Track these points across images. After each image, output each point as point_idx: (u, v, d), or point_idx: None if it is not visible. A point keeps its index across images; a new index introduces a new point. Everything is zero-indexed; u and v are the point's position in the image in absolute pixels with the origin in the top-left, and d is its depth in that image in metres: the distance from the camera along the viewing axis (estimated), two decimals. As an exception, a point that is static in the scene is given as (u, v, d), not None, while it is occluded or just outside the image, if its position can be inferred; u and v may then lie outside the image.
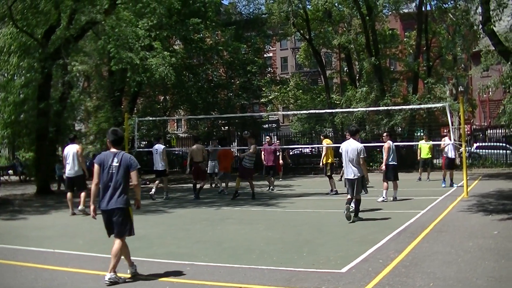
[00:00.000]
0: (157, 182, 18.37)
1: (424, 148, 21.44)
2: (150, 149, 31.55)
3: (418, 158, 21.95)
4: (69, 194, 14.37)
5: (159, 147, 18.29)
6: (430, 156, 21.77)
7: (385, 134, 16.02)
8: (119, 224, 6.76)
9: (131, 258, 6.97)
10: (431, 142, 21.95)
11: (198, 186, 17.88)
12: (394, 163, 15.13)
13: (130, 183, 6.91)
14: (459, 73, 34.88)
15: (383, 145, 15.57)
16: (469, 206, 12.93)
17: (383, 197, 14.81)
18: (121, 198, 6.76)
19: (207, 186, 19.49)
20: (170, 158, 24.53)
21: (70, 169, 14.40)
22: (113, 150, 6.97)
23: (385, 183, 15.00)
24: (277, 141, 28.38)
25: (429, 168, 21.98)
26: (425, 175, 21.64)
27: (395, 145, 16.73)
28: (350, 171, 11.29)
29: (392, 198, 14.92)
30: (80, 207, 13.98)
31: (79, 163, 14.45)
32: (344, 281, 6.35)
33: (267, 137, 23.54)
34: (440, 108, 26.45)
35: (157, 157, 18.05)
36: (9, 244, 9.42)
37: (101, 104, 31.21)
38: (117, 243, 6.74)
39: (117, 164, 6.80)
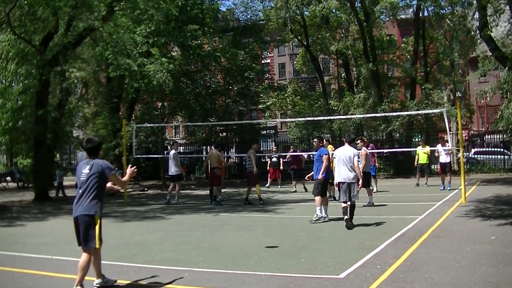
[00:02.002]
0: (171, 187, 18.82)
1: (421, 154, 21.50)
2: (148, 156, 31.84)
3: (415, 164, 22.02)
4: None
5: (172, 152, 18.81)
6: (428, 161, 21.82)
7: (359, 141, 15.93)
8: (83, 232, 6.47)
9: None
10: (428, 148, 22.00)
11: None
12: (366, 170, 15.19)
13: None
14: (457, 78, 34.98)
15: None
16: (467, 212, 12.94)
17: (369, 202, 14.90)
18: (88, 205, 6.48)
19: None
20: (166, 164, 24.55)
21: None
22: (88, 159, 6.76)
23: (368, 189, 15.04)
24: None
25: (427, 173, 22.03)
26: (423, 180, 21.66)
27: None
28: (348, 175, 11.27)
29: (364, 204, 14.92)
30: None
31: None
32: (342, 286, 6.35)
33: (292, 146, 27.16)
34: (437, 113, 26.52)
35: (170, 162, 18.59)
36: (7, 251, 9.40)
37: (99, 110, 31.24)
38: (83, 255, 6.47)
39: (88, 171, 6.57)
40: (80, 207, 6.51)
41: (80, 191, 6.57)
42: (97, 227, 6.48)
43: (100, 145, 6.92)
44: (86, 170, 6.58)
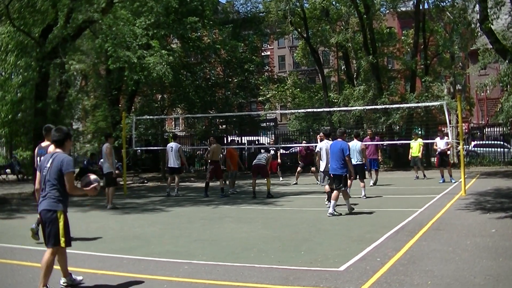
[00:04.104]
0: (175, 180, 18.74)
1: (413, 146, 21.51)
2: (148, 148, 31.81)
3: (409, 157, 22.06)
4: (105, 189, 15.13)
5: (175, 145, 18.65)
6: (419, 154, 21.72)
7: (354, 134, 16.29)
8: (45, 229, 6.18)
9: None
10: (420, 141, 21.96)
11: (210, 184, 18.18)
12: (357, 162, 15.27)
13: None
14: (457, 71, 34.95)
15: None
16: (466, 205, 12.93)
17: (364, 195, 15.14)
18: (48, 200, 6.17)
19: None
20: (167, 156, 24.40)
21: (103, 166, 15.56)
22: (55, 150, 6.42)
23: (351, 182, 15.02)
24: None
25: (421, 165, 22.04)
26: (420, 173, 21.65)
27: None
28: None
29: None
30: (108, 206, 14.87)
31: (107, 161, 15.21)
32: (342, 279, 6.35)
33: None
34: (437, 106, 26.50)
35: (172, 155, 18.44)
36: (7, 243, 9.40)
37: (98, 103, 31.17)
38: (46, 252, 6.16)
39: (49, 165, 6.20)
40: (43, 202, 6.23)
41: (43, 185, 6.32)
42: (61, 224, 6.14)
43: (68, 136, 6.51)
44: (48, 164, 6.25)
